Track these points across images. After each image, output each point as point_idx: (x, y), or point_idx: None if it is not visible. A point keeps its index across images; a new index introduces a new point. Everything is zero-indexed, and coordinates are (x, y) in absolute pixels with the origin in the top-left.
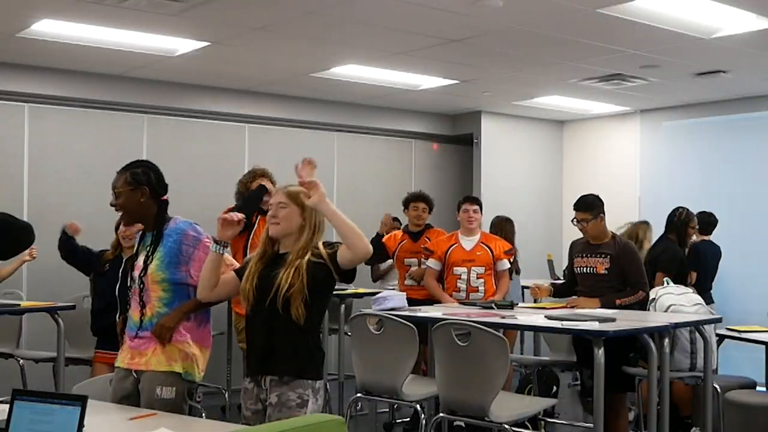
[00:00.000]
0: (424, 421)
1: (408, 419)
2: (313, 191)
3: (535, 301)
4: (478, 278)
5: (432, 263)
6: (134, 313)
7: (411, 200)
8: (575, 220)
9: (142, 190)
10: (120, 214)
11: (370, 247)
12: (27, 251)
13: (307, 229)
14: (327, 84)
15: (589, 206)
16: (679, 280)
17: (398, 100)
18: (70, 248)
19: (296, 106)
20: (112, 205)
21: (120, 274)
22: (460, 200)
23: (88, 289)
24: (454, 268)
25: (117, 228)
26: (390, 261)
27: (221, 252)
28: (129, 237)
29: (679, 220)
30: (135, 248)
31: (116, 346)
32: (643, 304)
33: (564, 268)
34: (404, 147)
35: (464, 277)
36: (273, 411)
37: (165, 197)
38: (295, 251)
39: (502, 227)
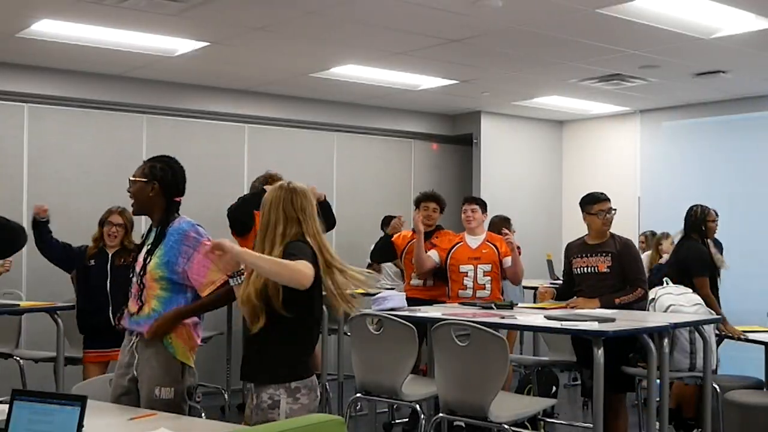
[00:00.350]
0: (423, 421)
1: (408, 419)
2: (222, 253)
3: (534, 302)
4: (484, 276)
5: (431, 253)
6: (132, 307)
7: (422, 200)
8: (602, 212)
9: (153, 184)
10: (110, 208)
11: (307, 279)
12: (1, 263)
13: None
14: (326, 84)
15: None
16: (712, 281)
17: (398, 100)
18: (46, 240)
19: (296, 106)
20: (128, 191)
21: (109, 269)
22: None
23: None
24: (461, 266)
25: (102, 223)
26: (375, 264)
27: (239, 282)
28: (114, 235)
29: (696, 218)
30: (141, 241)
31: (106, 344)
32: (642, 303)
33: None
34: (404, 147)
35: (471, 275)
36: (252, 413)
37: (178, 198)
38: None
39: (501, 227)
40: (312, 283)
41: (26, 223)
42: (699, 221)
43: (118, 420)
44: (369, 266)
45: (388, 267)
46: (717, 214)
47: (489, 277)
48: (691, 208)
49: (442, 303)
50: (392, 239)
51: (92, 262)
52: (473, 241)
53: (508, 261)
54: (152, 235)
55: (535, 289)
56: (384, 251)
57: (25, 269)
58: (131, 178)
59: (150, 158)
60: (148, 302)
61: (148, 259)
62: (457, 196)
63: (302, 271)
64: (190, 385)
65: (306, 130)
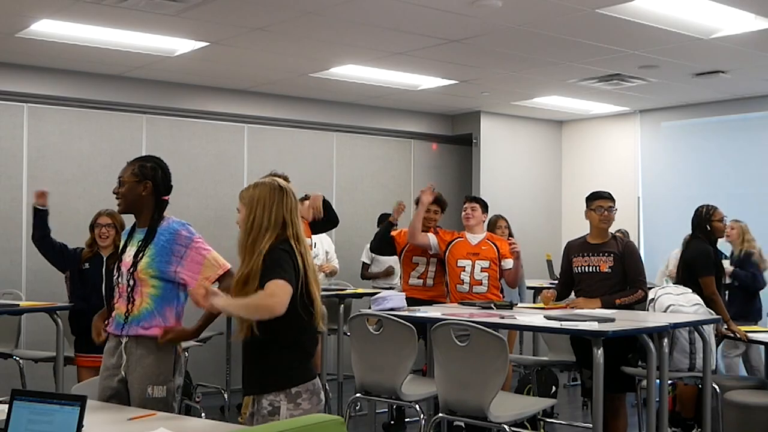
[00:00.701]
0: (423, 422)
1: (409, 420)
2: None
3: (534, 302)
4: (482, 271)
5: (430, 236)
6: (120, 308)
7: None
8: (600, 208)
9: (145, 183)
10: (99, 211)
11: (276, 310)
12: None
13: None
14: (326, 84)
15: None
16: (717, 281)
17: (397, 100)
18: (46, 236)
19: (295, 106)
20: (114, 192)
21: (104, 273)
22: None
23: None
24: (458, 261)
25: (92, 227)
26: (387, 267)
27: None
28: (104, 236)
29: (701, 217)
30: (122, 243)
31: (99, 348)
32: (642, 304)
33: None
34: (403, 147)
35: (468, 269)
36: (253, 419)
37: (166, 197)
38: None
39: (497, 225)
40: (300, 288)
41: (26, 223)
42: (704, 221)
43: (118, 420)
44: (366, 275)
45: (394, 262)
46: None
47: (486, 274)
48: (697, 208)
49: (441, 303)
50: (393, 235)
51: (87, 265)
52: (473, 239)
53: (508, 263)
54: (137, 234)
55: (535, 289)
56: (383, 243)
57: (25, 269)
58: (121, 179)
59: (137, 158)
60: (138, 300)
61: (139, 257)
62: (456, 196)
63: (268, 305)
64: (179, 384)
65: (306, 130)
